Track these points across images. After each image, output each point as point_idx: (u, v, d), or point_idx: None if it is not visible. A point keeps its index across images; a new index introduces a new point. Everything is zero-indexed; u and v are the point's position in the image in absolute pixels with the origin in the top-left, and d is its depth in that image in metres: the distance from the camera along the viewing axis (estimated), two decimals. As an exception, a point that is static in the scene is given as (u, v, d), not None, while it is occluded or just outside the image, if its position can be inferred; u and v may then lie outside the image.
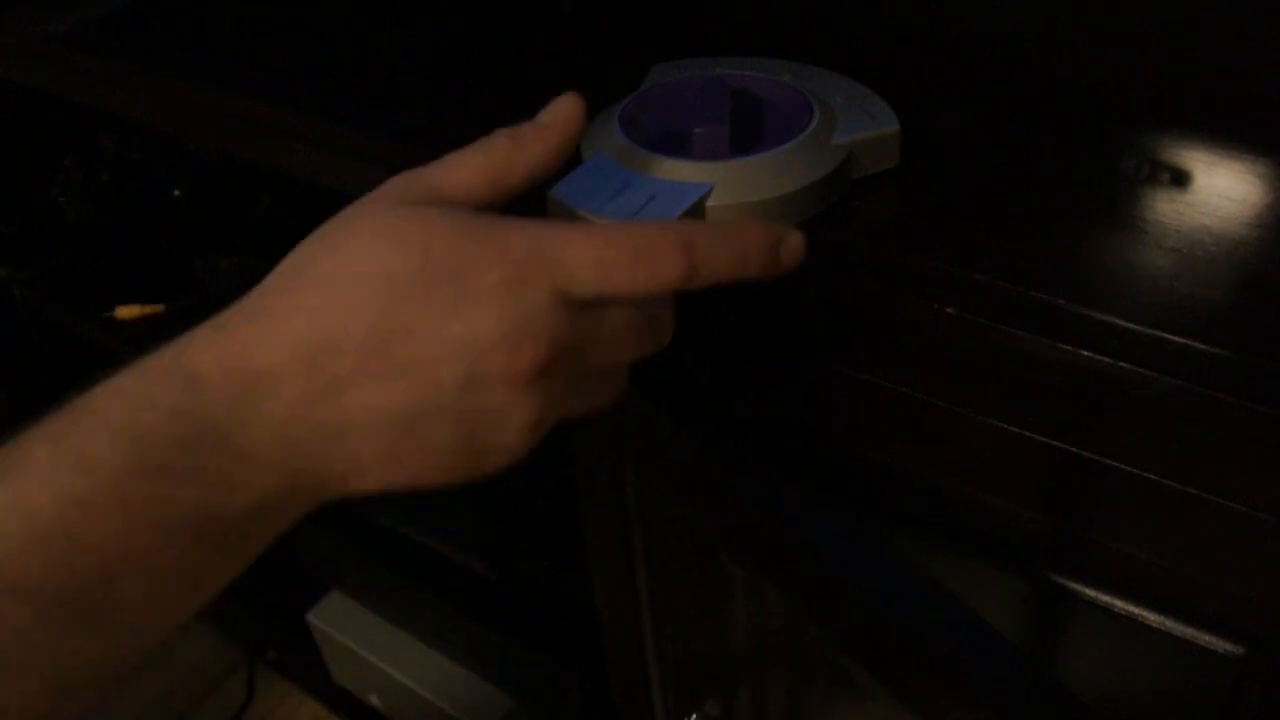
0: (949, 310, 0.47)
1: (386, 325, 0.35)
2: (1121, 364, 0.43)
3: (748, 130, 0.55)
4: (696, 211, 0.50)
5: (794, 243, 0.41)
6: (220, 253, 1.07)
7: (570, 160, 0.44)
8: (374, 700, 1.22)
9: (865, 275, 0.50)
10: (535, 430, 0.38)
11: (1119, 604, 0.52)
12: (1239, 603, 0.48)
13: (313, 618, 1.20)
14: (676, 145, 0.54)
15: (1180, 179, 0.54)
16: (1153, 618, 0.51)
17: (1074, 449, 0.48)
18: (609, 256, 0.37)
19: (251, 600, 1.41)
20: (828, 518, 0.48)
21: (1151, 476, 0.46)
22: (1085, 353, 0.44)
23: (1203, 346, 0.43)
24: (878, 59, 0.68)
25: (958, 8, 0.69)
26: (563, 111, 0.42)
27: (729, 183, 0.52)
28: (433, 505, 0.88)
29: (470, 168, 0.41)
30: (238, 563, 0.38)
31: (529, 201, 0.42)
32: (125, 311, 1.12)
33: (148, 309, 1.12)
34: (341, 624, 1.18)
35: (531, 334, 0.36)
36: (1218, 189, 0.53)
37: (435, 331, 0.35)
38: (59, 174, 1.20)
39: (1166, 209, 0.51)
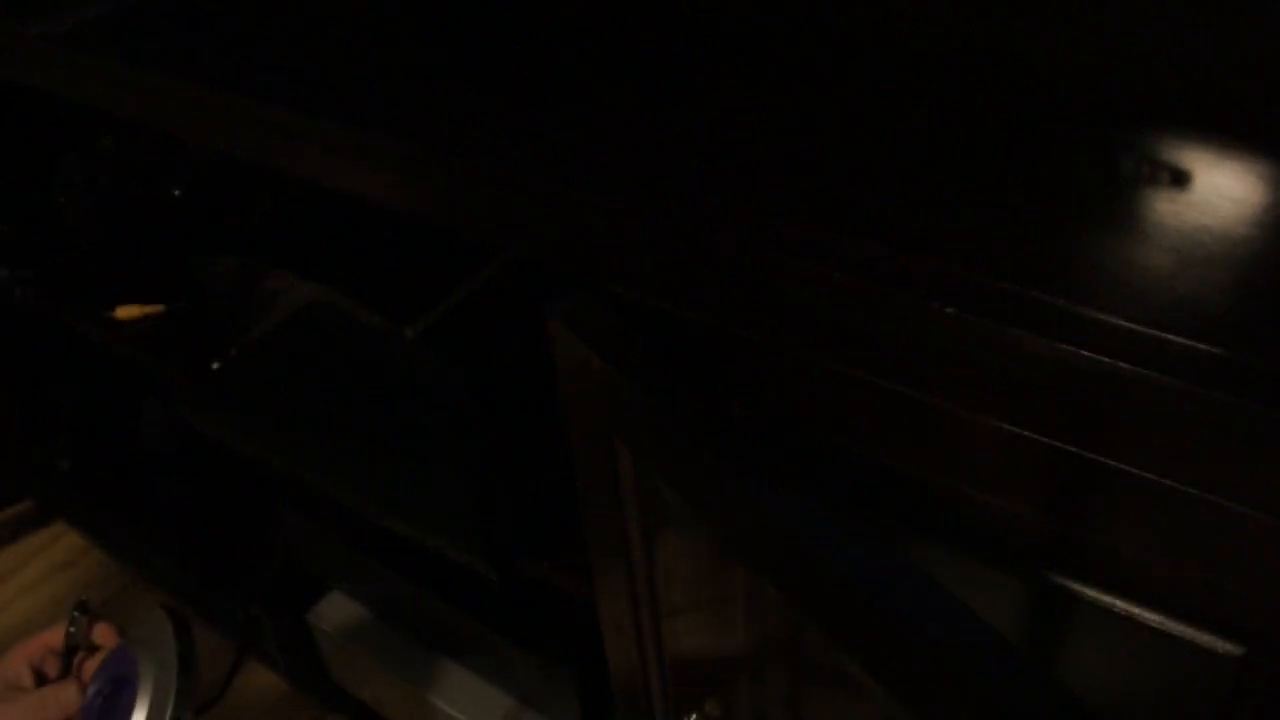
0: (949, 310, 0.47)
1: None
2: (1121, 364, 0.43)
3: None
4: None
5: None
6: (220, 253, 1.07)
7: None
8: (374, 700, 1.22)
9: (865, 275, 0.50)
10: None
11: (1119, 604, 0.52)
12: (1239, 603, 0.48)
13: (313, 618, 1.20)
14: None
15: (1180, 179, 0.54)
16: (1153, 618, 0.51)
17: (1074, 449, 0.48)
18: None
19: (251, 600, 1.41)
20: (827, 517, 0.48)
21: (1151, 476, 0.46)
22: (1085, 353, 0.44)
23: (1203, 346, 0.43)
24: (878, 60, 0.68)
25: (958, 8, 0.69)
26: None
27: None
28: (433, 505, 0.88)
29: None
30: None
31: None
32: (125, 311, 1.12)
33: (148, 309, 1.12)
34: (341, 624, 1.18)
35: None
36: (1218, 189, 0.53)
37: None
38: (59, 174, 1.20)
39: (1166, 209, 0.51)
